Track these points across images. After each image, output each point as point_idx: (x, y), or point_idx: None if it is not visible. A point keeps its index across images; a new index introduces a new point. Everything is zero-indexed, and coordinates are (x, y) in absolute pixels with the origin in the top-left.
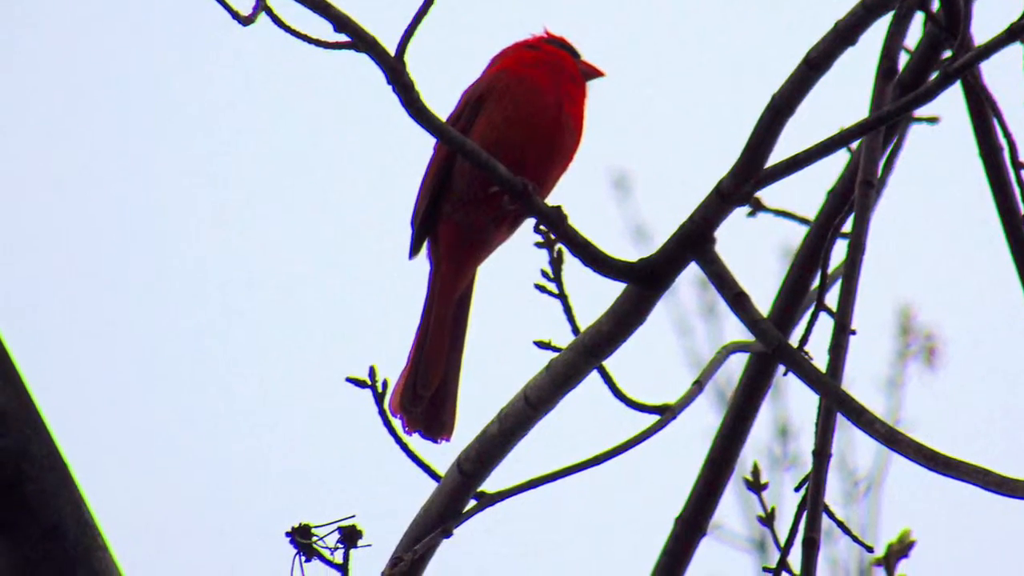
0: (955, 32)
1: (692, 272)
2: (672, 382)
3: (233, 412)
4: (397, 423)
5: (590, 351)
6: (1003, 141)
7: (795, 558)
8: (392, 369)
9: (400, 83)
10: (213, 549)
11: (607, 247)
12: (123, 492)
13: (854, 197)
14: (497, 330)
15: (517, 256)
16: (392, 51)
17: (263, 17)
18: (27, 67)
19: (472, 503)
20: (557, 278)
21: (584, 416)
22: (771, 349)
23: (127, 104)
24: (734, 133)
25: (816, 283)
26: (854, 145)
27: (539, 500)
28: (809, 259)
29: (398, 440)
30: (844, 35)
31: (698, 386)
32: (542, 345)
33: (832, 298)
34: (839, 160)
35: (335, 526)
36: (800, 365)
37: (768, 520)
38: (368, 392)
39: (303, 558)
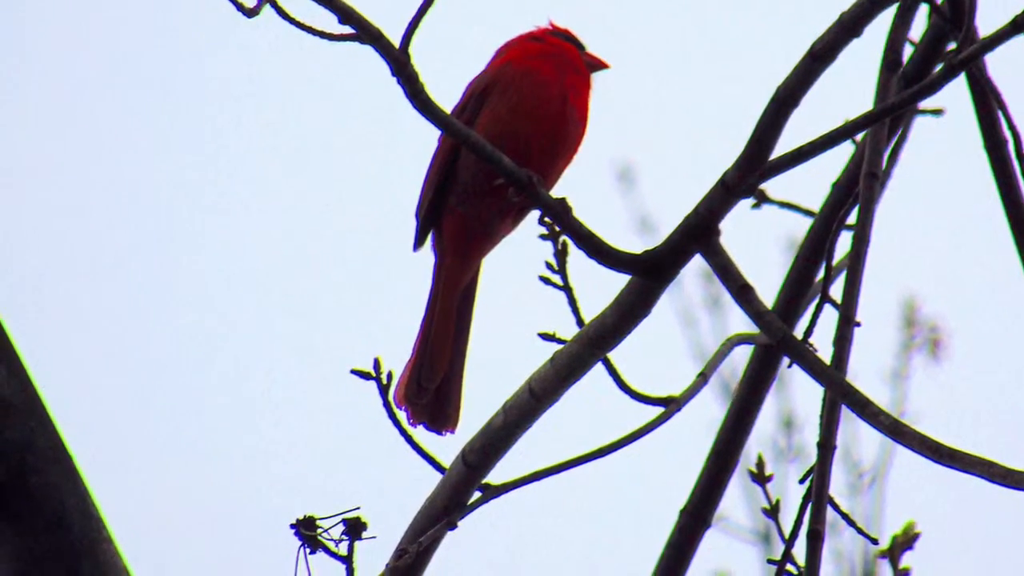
0: (960, 24)
1: (697, 264)
2: (677, 374)
3: (237, 404)
4: (402, 415)
5: (595, 343)
6: (1008, 134)
7: (799, 550)
8: (397, 361)
9: (405, 75)
10: (217, 541)
11: (612, 239)
12: (128, 484)
13: (858, 189)
14: (502, 322)
15: (522, 248)
16: (397, 43)
17: (267, 9)
18: (31, 60)
19: (477, 495)
20: (562, 270)
21: (589, 408)
22: (775, 341)
23: (131, 96)
24: (739, 125)
25: (821, 275)
26: (858, 137)
27: (544, 492)
28: (813, 251)
29: (403, 432)
30: (849, 27)
31: (703, 378)
32: (547, 337)
33: (836, 290)
34: (843, 152)
35: (340, 518)
36: (804, 357)
37: (772, 512)
38: (373, 384)
39: (308, 550)
